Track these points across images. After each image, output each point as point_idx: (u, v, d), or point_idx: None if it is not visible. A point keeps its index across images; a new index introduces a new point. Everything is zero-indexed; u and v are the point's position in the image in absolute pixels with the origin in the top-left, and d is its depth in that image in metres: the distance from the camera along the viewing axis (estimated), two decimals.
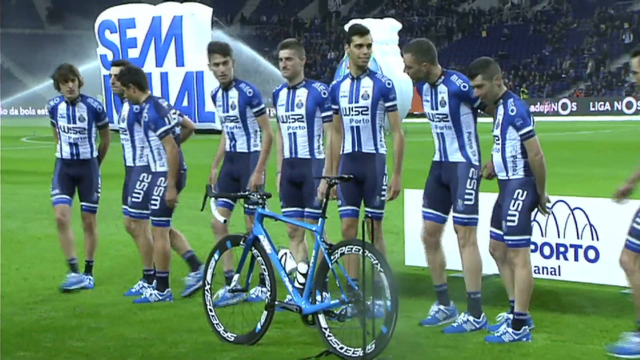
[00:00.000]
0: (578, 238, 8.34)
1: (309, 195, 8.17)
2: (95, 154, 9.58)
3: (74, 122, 9.46)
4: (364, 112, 7.87)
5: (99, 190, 9.53)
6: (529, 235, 7.18)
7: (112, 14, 14.79)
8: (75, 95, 9.39)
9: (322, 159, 8.20)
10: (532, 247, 8.57)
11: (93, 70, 9.70)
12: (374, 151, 7.90)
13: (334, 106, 8.04)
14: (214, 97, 8.91)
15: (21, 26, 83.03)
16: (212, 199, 7.34)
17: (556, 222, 8.40)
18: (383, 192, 7.87)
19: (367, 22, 39.83)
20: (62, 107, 9.48)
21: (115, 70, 9.34)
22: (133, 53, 42.77)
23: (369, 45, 7.87)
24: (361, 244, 6.53)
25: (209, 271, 7.40)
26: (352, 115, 7.90)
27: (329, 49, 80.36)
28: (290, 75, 8.15)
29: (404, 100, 34.42)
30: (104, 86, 13.48)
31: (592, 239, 8.44)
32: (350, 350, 6.54)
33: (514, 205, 7.10)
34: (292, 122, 8.20)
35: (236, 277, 7.36)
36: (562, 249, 8.38)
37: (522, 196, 7.11)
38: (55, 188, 9.49)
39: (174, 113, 8.95)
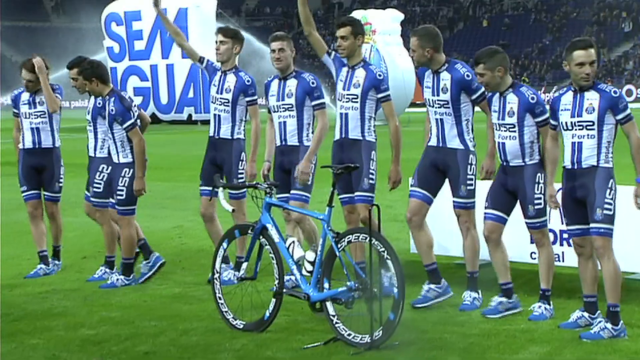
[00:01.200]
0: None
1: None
2: (57, 144, 9.64)
3: (35, 107, 9.54)
4: (353, 100, 8.01)
5: (61, 180, 9.63)
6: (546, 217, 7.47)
7: (118, 6, 14.75)
8: (36, 84, 9.44)
9: (310, 146, 8.36)
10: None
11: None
12: (361, 138, 8.04)
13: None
14: (211, 77, 9.05)
15: (28, 19, 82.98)
16: (221, 188, 7.34)
17: (560, 210, 8.37)
18: (371, 176, 7.99)
19: (369, 13, 39.89)
20: (25, 95, 9.61)
21: (73, 73, 9.37)
22: (139, 45, 42.92)
23: (343, 38, 7.98)
24: (368, 232, 6.54)
25: (218, 260, 7.41)
26: (343, 102, 8.08)
27: (332, 40, 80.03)
28: (283, 66, 8.40)
29: (406, 90, 34.39)
30: (110, 78, 13.35)
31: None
32: (358, 336, 6.55)
33: (537, 189, 7.32)
34: (283, 111, 8.42)
35: (244, 265, 7.37)
36: (565, 236, 8.36)
37: (543, 179, 7.33)
38: (23, 185, 9.64)
39: (134, 106, 9.05)
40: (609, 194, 6.81)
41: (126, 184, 8.91)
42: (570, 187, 6.95)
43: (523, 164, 7.33)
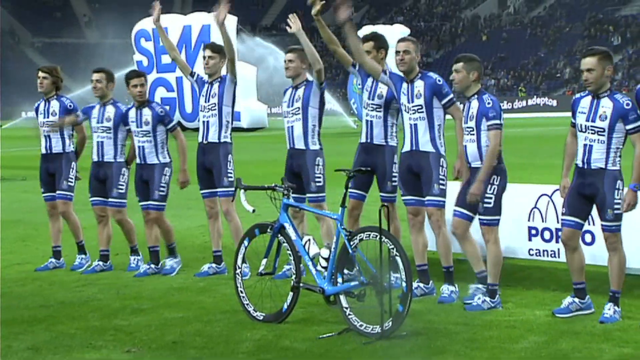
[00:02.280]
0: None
1: (306, 183, 8.48)
2: (69, 149, 9.68)
3: (47, 117, 9.65)
4: (377, 109, 8.12)
5: (70, 180, 9.64)
6: (499, 216, 7.44)
7: (146, 23, 14.76)
8: (51, 93, 9.62)
9: (316, 149, 8.50)
10: (534, 231, 8.58)
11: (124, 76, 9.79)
12: (384, 143, 8.11)
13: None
14: (200, 89, 9.16)
15: (65, 36, 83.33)
16: (242, 190, 7.34)
17: (555, 209, 8.33)
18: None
19: (377, 29, 39.77)
20: (42, 105, 9.76)
21: (96, 75, 9.46)
22: (166, 59, 43.16)
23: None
24: (378, 231, 6.52)
25: (239, 257, 7.40)
26: (368, 110, 8.16)
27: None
28: (292, 74, 8.58)
29: None
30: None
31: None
32: (369, 327, 6.53)
33: (490, 189, 7.34)
34: (291, 116, 8.52)
35: (264, 261, 7.35)
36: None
37: (496, 181, 7.36)
38: (42, 187, 9.82)
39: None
40: (617, 195, 6.84)
41: (167, 182, 9.15)
42: (580, 183, 7.00)
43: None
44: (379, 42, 8.22)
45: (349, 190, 8.06)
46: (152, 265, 9.27)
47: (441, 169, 7.78)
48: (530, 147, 25.59)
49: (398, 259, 6.43)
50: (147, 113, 9.22)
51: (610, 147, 6.86)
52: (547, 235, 8.48)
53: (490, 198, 7.36)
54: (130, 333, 6.86)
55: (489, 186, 7.35)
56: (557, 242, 8.46)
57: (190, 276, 9.05)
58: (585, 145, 6.94)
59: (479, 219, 7.49)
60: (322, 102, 8.58)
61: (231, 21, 40.44)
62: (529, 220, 8.63)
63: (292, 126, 8.55)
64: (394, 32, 39.67)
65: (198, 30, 36.08)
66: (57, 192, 9.62)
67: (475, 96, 7.44)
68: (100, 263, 9.51)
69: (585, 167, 6.92)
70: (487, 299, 7.34)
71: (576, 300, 7.13)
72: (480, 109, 7.38)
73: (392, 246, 6.46)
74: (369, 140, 8.20)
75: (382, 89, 8.11)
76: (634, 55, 66.86)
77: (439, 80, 7.76)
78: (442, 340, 6.43)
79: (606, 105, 6.89)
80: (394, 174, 8.11)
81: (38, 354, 6.36)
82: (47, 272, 9.50)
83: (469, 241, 7.59)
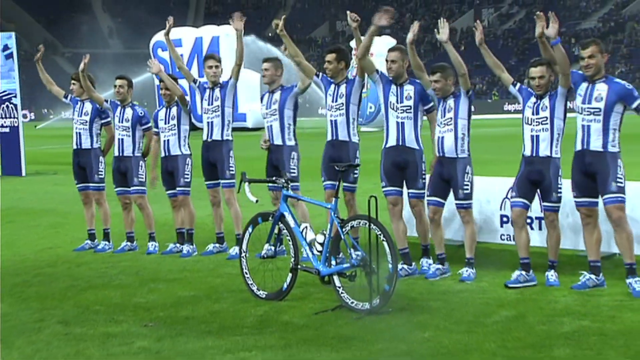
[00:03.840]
0: (541, 211, 8.27)
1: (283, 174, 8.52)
2: (96, 145, 9.73)
3: (80, 116, 9.70)
4: (340, 109, 8.24)
5: (100, 173, 9.71)
6: (472, 200, 7.66)
7: (163, 35, 14.83)
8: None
9: (292, 145, 8.70)
10: (505, 219, 8.57)
11: (145, 81, 9.62)
12: (348, 139, 8.24)
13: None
14: (202, 94, 9.31)
15: (89, 46, 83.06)
16: (246, 183, 7.33)
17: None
18: (356, 172, 8.19)
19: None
20: (78, 105, 9.81)
21: (119, 82, 9.59)
22: None
23: (328, 62, 8.21)
24: (367, 219, 6.51)
25: (244, 242, 7.39)
26: (332, 111, 8.28)
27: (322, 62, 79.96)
28: (268, 81, 8.86)
29: None
30: (156, 93, 13.51)
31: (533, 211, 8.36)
32: (359, 304, 6.53)
33: (467, 178, 7.54)
34: (270, 117, 8.75)
35: (266, 246, 7.34)
36: (528, 221, 8.30)
37: (470, 171, 7.57)
38: (75, 179, 9.88)
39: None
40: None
41: (190, 170, 9.32)
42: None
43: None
44: (341, 55, 8.33)
45: (326, 182, 8.16)
46: (178, 245, 9.45)
47: (423, 165, 7.89)
48: (502, 145, 25.55)
49: (385, 244, 6.43)
50: (174, 111, 9.38)
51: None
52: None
53: (467, 185, 7.55)
54: (148, 309, 6.85)
55: (465, 175, 7.52)
56: (532, 229, 8.43)
57: (201, 259, 9.04)
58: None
59: (458, 204, 7.62)
60: (295, 105, 8.82)
61: (234, 33, 40.38)
62: (500, 209, 8.65)
63: (271, 125, 8.79)
64: (383, 43, 39.70)
65: (208, 41, 36.00)
66: (90, 184, 9.70)
67: (452, 96, 7.59)
68: (128, 244, 9.66)
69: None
70: (471, 270, 7.57)
71: (523, 273, 7.27)
72: (457, 108, 7.60)
73: (380, 232, 6.46)
74: (334, 138, 8.29)
75: (343, 92, 8.21)
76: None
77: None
78: (423, 315, 6.42)
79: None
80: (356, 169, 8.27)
81: (67, 327, 6.35)
82: (76, 254, 9.51)
83: (441, 226, 7.78)
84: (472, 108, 7.79)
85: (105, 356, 5.62)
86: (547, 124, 7.23)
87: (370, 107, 39.26)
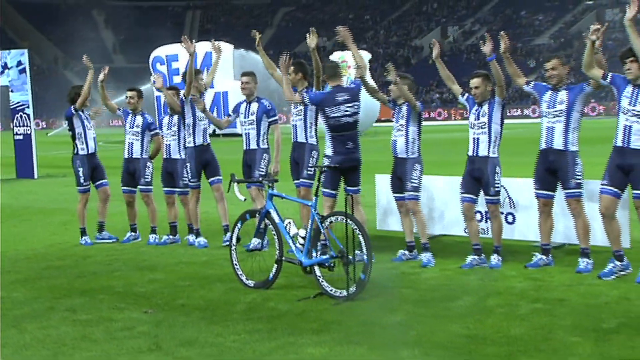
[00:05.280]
0: (502, 207, 8.33)
1: (253, 173, 8.84)
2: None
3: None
4: (298, 114, 8.46)
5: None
6: (420, 193, 7.90)
7: (161, 51, 14.71)
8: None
9: (265, 148, 8.90)
10: (478, 216, 8.59)
11: (144, 90, 9.69)
12: (305, 141, 8.46)
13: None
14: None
15: (96, 62, 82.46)
16: (235, 183, 7.30)
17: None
18: (310, 169, 8.36)
19: (345, 54, 39.71)
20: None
21: (130, 93, 9.68)
22: (177, 79, 42.67)
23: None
24: (344, 215, 6.50)
25: (234, 236, 7.37)
26: (294, 116, 8.56)
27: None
28: (247, 93, 8.94)
29: (374, 109, 34.06)
30: (155, 103, 13.40)
31: (510, 207, 8.44)
32: (338, 291, 6.53)
33: (414, 174, 7.77)
34: (247, 125, 8.92)
35: (254, 240, 7.32)
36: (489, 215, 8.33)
37: (419, 168, 7.84)
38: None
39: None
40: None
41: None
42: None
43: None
44: (299, 67, 8.48)
45: (397, 195, 8.17)
46: (170, 236, 9.56)
47: (414, 172, 7.90)
48: (466, 147, 25.67)
49: (360, 237, 6.43)
50: (175, 119, 9.43)
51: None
52: (478, 216, 8.50)
53: (416, 179, 7.76)
54: (147, 298, 6.82)
55: (413, 172, 7.75)
56: (485, 222, 8.50)
57: (195, 252, 9.00)
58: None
59: (409, 196, 7.79)
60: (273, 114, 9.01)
61: (227, 48, 40.39)
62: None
63: (248, 132, 8.95)
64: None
65: (202, 56, 35.84)
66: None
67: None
68: (132, 234, 9.75)
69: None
70: (429, 254, 7.73)
71: (475, 257, 7.49)
72: (408, 112, 7.84)
73: (356, 227, 6.46)
74: (297, 140, 8.52)
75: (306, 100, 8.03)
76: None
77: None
78: (395, 301, 6.43)
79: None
80: (309, 165, 8.39)
81: (74, 314, 6.31)
82: (83, 248, 9.44)
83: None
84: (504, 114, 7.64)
85: (109, 340, 5.59)
86: (485, 128, 7.39)
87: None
